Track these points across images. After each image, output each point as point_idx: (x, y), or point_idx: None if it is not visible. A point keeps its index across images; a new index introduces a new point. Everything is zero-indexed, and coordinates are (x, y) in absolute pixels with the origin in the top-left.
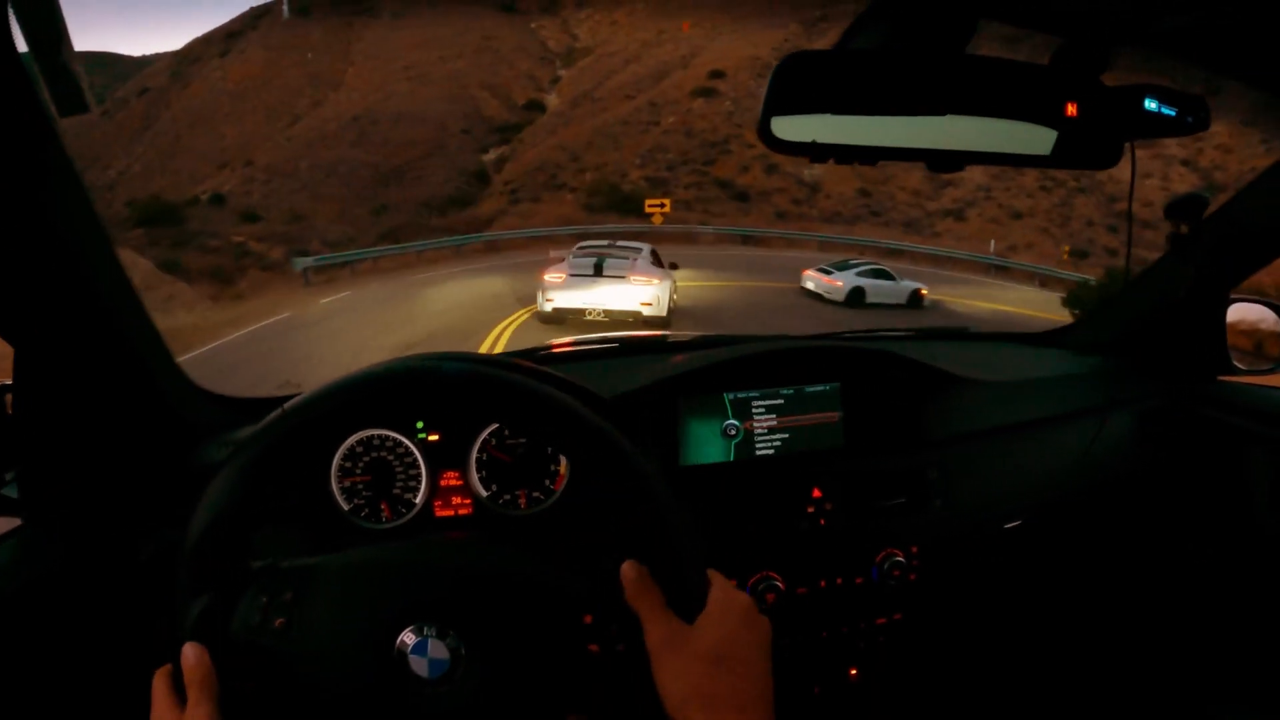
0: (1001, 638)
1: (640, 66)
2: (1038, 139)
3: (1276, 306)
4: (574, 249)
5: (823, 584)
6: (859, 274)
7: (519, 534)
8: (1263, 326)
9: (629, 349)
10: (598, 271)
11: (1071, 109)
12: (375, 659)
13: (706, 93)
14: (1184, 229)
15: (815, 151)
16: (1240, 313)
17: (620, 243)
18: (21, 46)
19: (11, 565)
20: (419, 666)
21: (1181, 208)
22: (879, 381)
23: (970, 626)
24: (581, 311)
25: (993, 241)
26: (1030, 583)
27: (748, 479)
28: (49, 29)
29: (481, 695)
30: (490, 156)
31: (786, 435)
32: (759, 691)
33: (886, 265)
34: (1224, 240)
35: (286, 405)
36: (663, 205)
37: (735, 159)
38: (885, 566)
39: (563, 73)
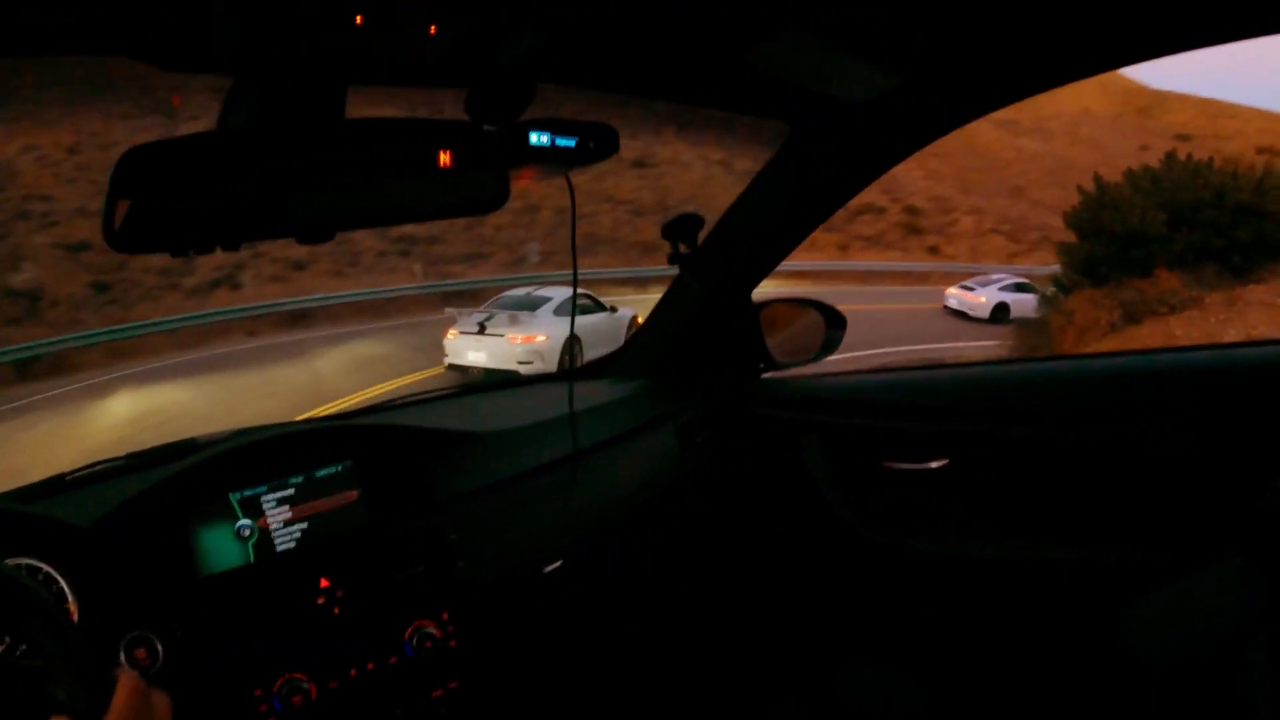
0: (567, 679)
1: None
2: (416, 192)
3: (811, 301)
4: (490, 300)
5: (353, 673)
6: (1001, 289)
7: None
8: (797, 322)
9: (145, 463)
10: (480, 330)
11: (445, 158)
12: None
13: None
14: (683, 247)
15: (174, 245)
16: (775, 312)
17: (537, 292)
18: None
19: None
20: None
21: (677, 228)
22: (385, 452)
23: (532, 675)
24: (466, 369)
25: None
26: (586, 618)
27: (268, 578)
28: None
29: None
30: None
31: (305, 524)
32: None
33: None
34: (728, 250)
35: None
36: None
37: None
38: (415, 640)
39: None
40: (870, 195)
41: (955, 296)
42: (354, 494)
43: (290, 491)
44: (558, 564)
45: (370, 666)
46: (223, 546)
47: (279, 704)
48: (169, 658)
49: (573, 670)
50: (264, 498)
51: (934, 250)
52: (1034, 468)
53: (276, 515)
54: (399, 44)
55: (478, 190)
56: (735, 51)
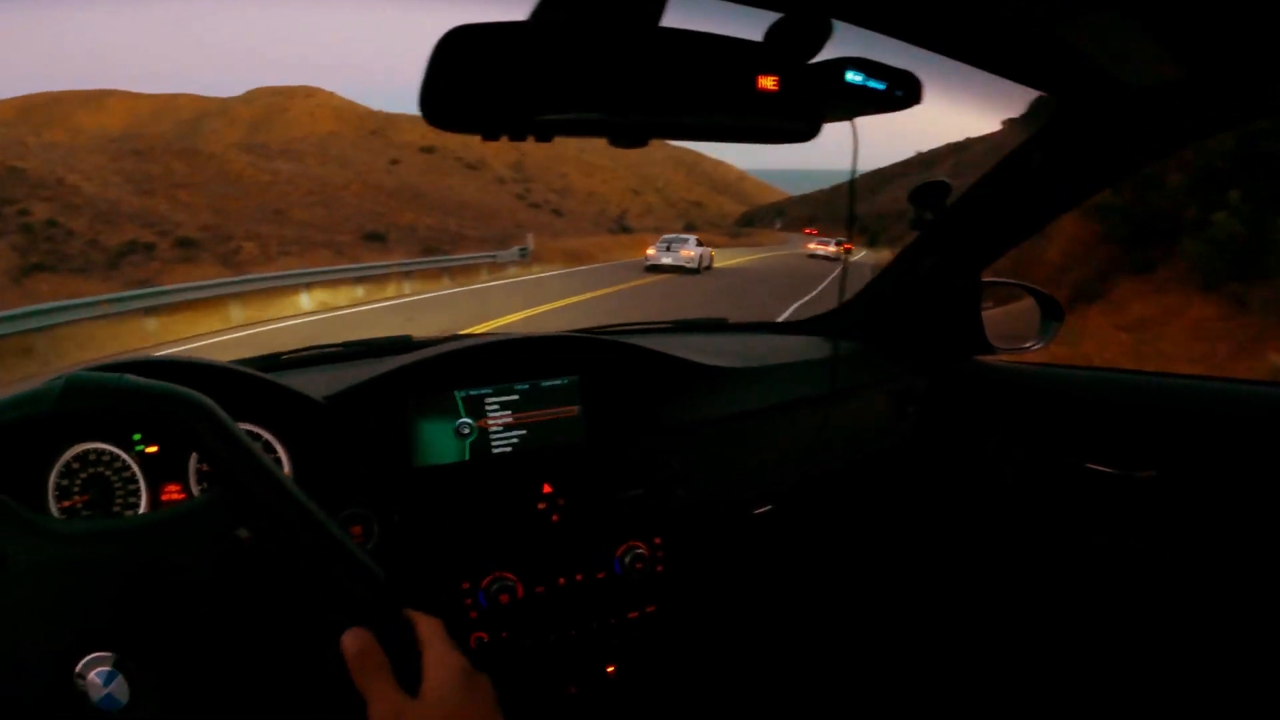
0: (758, 623)
1: None
2: (734, 111)
3: (1029, 288)
4: (659, 239)
5: (561, 581)
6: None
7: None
8: (1018, 306)
9: (362, 353)
10: (668, 247)
11: (769, 83)
12: (52, 689)
13: None
14: (928, 215)
15: (485, 127)
16: (996, 294)
17: (680, 235)
18: None
19: None
20: (96, 698)
21: (925, 194)
22: (617, 373)
23: (727, 613)
24: (661, 264)
25: None
26: (785, 566)
27: (483, 478)
28: None
29: None
30: None
31: (524, 431)
32: None
33: None
34: (969, 225)
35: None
36: None
37: None
38: (627, 560)
39: None
40: (133, 232)
41: (813, 250)
42: (575, 409)
43: (514, 397)
44: (768, 507)
45: (579, 578)
46: (441, 441)
47: (484, 600)
48: (384, 539)
49: (765, 612)
50: (488, 399)
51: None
52: (1247, 494)
53: (497, 418)
54: None
55: (792, 119)
56: (1049, 19)
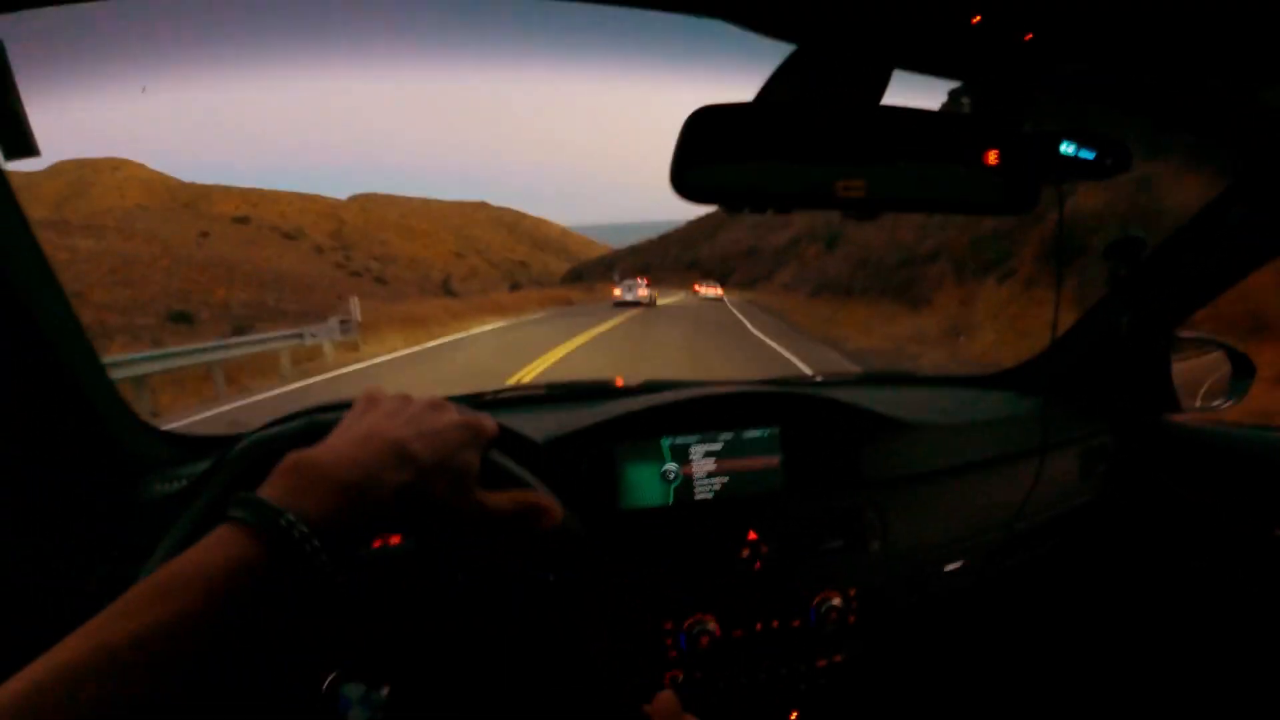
0: (943, 680)
1: None
2: (956, 185)
3: (1223, 344)
4: (621, 283)
5: (759, 626)
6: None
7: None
8: (1209, 364)
9: (566, 396)
10: (628, 289)
11: (991, 156)
12: (305, 706)
13: None
14: (1123, 271)
15: (729, 200)
16: (1188, 350)
17: (632, 280)
18: None
19: None
20: (345, 711)
21: (1121, 249)
22: (818, 426)
23: (912, 668)
24: (626, 301)
25: None
26: (972, 624)
27: (686, 522)
28: None
29: None
30: None
31: (725, 479)
32: None
33: None
34: (1163, 280)
35: (249, 438)
36: None
37: None
38: (823, 609)
39: None
40: None
41: (703, 292)
42: (776, 459)
43: (718, 446)
44: (958, 564)
45: (775, 624)
46: (647, 485)
47: (685, 641)
48: (591, 578)
49: (950, 670)
50: (693, 447)
51: None
52: None
53: (701, 465)
54: (942, 30)
55: (1013, 191)
56: (1252, 86)
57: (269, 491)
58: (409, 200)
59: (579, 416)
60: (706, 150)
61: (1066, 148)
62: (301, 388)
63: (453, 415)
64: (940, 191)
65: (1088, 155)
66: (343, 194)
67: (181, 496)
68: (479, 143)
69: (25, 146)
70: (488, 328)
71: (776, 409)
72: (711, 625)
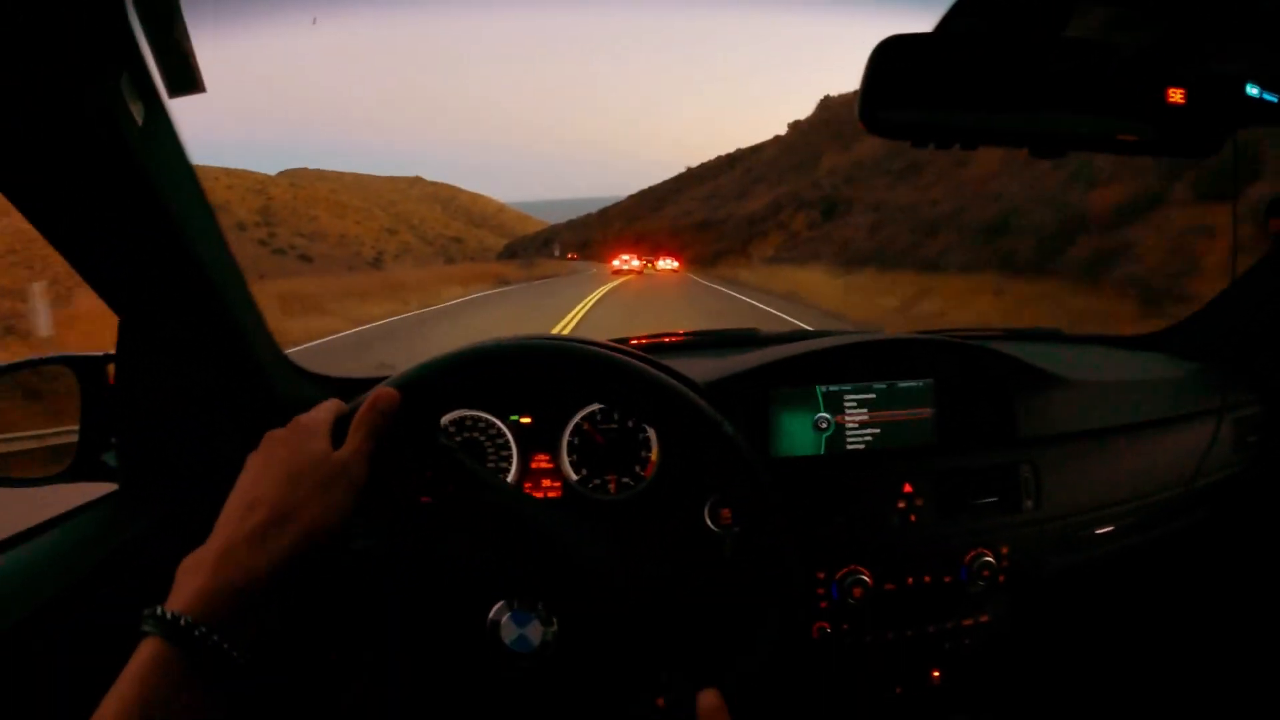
0: (1090, 647)
1: None
2: (1138, 124)
3: None
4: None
5: (910, 581)
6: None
7: (607, 518)
8: None
9: (713, 343)
10: (624, 262)
11: (1174, 95)
12: (468, 633)
13: None
14: None
15: (917, 134)
16: None
17: (627, 255)
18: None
19: (106, 528)
20: (511, 641)
21: None
22: (972, 378)
23: (1056, 634)
24: (623, 270)
25: None
26: (1121, 592)
27: (838, 472)
28: (163, 5)
29: (570, 671)
30: None
31: (878, 430)
32: None
33: None
34: None
35: (395, 376)
36: None
37: None
38: (974, 566)
39: None
40: None
41: (619, 263)
42: (928, 411)
43: (872, 396)
44: (1110, 528)
45: (927, 580)
46: (799, 433)
47: (837, 592)
48: (745, 527)
49: (1092, 639)
50: (847, 396)
51: None
52: None
53: (854, 415)
54: None
55: (1198, 133)
56: None
57: (174, 599)
58: (341, 175)
59: (730, 362)
60: (893, 83)
61: (1252, 90)
62: None
63: (320, 443)
64: (1122, 129)
65: (1271, 99)
66: (272, 169)
67: None
68: (415, 117)
69: (191, 82)
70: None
71: (930, 360)
72: (865, 577)
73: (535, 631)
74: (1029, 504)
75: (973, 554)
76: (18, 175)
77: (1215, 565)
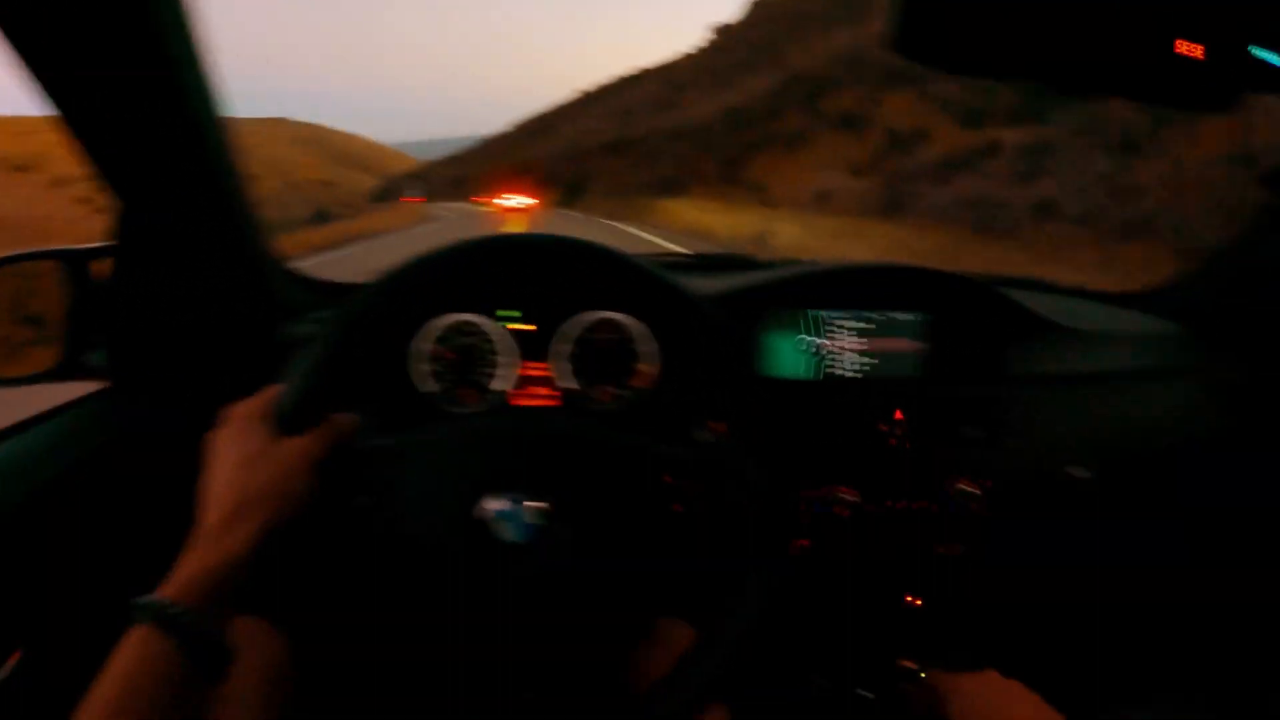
0: (1056, 587)
1: None
2: (1148, 73)
3: None
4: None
5: (888, 504)
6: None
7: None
8: None
9: (710, 265)
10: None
11: (1184, 47)
12: (461, 527)
13: None
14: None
15: (949, 62)
16: None
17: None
18: None
19: (95, 422)
20: (507, 532)
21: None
22: (967, 315)
23: (1027, 571)
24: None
25: None
26: (1089, 534)
27: (826, 396)
28: None
29: (568, 556)
30: None
31: (870, 359)
32: None
33: None
34: None
35: (385, 271)
36: None
37: None
38: (957, 497)
39: None
40: None
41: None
42: (920, 345)
43: (865, 324)
44: (1086, 474)
45: (909, 504)
46: (790, 356)
47: (819, 507)
48: (735, 438)
49: (1065, 580)
50: (840, 322)
51: None
52: None
53: (847, 342)
54: None
55: (1206, 86)
56: None
57: (169, 589)
58: None
59: (725, 282)
60: (926, 4)
61: (1258, 52)
62: None
63: (265, 431)
64: (1130, 77)
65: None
66: None
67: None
68: (278, 53)
69: None
70: None
71: (927, 293)
72: (848, 497)
73: (530, 518)
74: (1011, 442)
75: (956, 484)
76: (33, 43)
77: (1176, 520)
